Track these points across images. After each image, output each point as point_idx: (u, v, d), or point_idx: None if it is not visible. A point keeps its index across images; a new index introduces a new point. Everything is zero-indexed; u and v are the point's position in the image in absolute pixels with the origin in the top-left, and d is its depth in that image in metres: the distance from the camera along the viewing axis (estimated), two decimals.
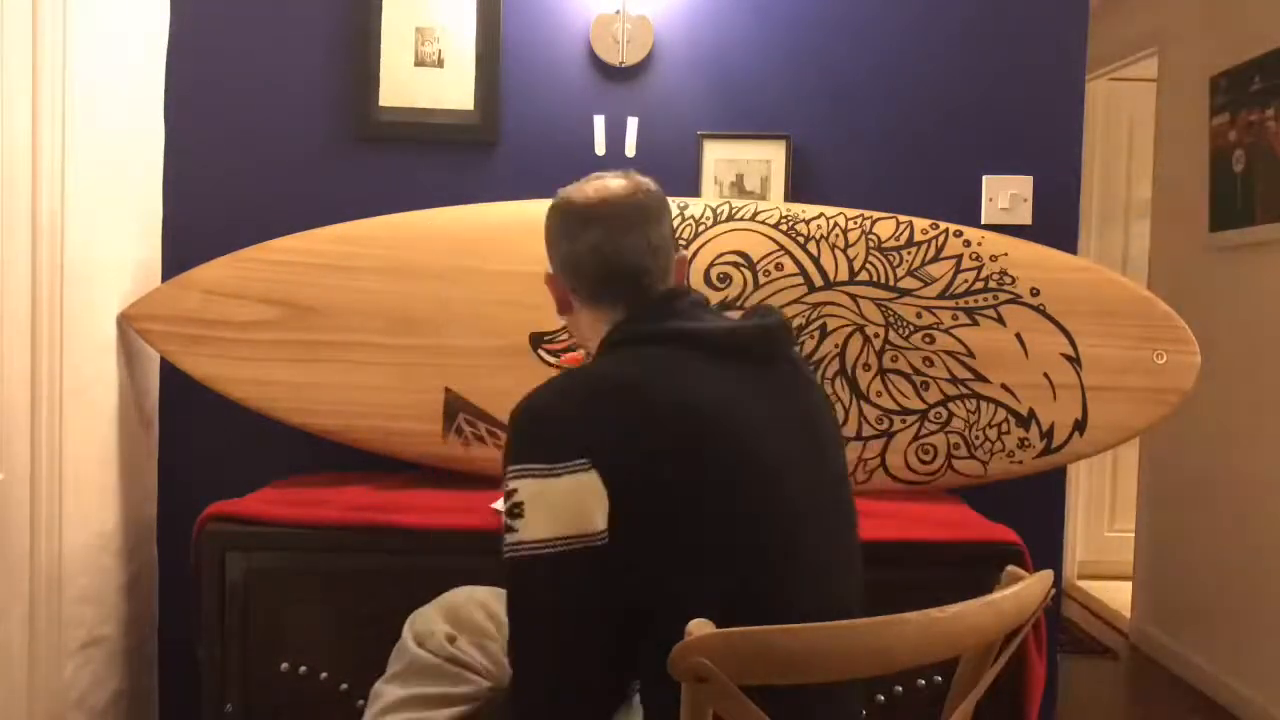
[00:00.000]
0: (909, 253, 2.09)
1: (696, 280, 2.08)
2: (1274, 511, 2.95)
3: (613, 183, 1.39)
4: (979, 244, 2.09)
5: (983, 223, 2.32)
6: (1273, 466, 2.96)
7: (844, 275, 2.09)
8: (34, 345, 1.82)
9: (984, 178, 2.34)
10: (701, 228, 2.10)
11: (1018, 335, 2.07)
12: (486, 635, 1.45)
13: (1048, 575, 1.19)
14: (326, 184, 2.31)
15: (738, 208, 2.11)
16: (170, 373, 2.22)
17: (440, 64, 2.30)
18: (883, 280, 2.09)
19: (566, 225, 1.39)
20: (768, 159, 2.30)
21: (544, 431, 1.20)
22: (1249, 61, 3.04)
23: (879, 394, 2.07)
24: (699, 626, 0.99)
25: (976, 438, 2.07)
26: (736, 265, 2.09)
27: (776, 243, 2.09)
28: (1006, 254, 2.09)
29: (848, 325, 2.08)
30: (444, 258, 2.08)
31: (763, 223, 2.10)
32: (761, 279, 2.09)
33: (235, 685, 1.80)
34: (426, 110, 2.30)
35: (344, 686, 1.80)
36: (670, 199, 2.10)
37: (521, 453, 1.20)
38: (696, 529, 1.19)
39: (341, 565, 1.81)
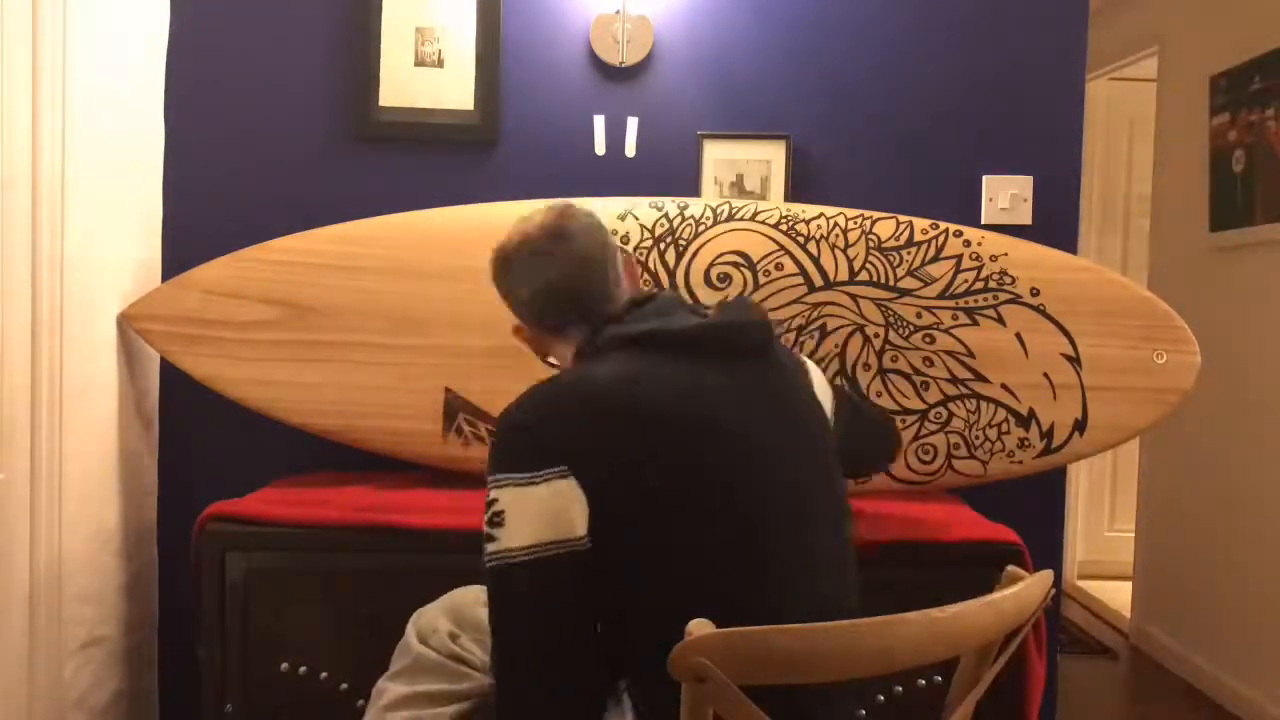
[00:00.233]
0: (909, 253, 2.09)
1: (696, 280, 2.09)
2: (1274, 512, 2.95)
3: (533, 220, 1.43)
4: (979, 244, 2.09)
5: (983, 223, 2.32)
6: (1273, 467, 2.96)
7: (844, 275, 2.09)
8: (34, 345, 1.82)
9: (984, 178, 2.34)
10: (701, 228, 2.10)
11: (1018, 335, 2.07)
12: (481, 630, 1.45)
13: (1048, 575, 1.19)
14: (326, 184, 2.31)
15: (738, 208, 2.11)
16: (170, 373, 2.21)
17: (440, 64, 2.30)
18: (883, 280, 2.08)
19: (514, 269, 1.43)
20: (768, 159, 2.30)
21: (520, 441, 1.23)
22: (1249, 61, 3.04)
23: (879, 394, 2.07)
24: (699, 626, 0.99)
25: (976, 438, 2.07)
26: (736, 265, 2.09)
27: (776, 243, 2.09)
28: (1006, 254, 2.09)
29: (848, 325, 2.08)
30: (444, 258, 2.08)
31: (763, 223, 2.10)
32: (761, 279, 2.09)
33: (235, 685, 1.80)
34: (426, 110, 2.30)
35: (344, 686, 1.80)
36: (670, 199, 2.12)
37: (500, 464, 1.23)
38: (676, 529, 1.20)
39: (341, 565, 1.81)
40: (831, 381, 1.53)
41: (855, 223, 2.10)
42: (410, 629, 1.51)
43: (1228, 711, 3.09)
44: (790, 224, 2.10)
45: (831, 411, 1.45)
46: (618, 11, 2.27)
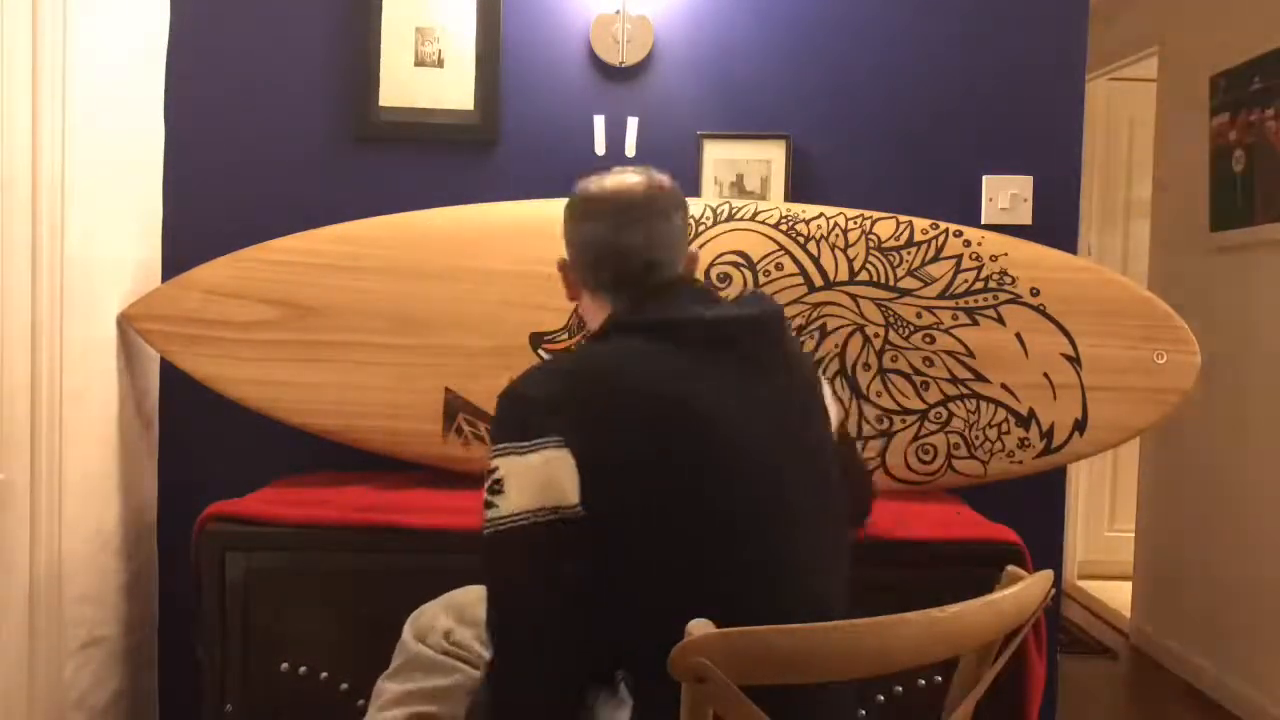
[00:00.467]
0: (909, 253, 2.09)
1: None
2: (1274, 511, 2.95)
3: (629, 178, 1.41)
4: (979, 244, 2.09)
5: (983, 223, 2.32)
6: (1273, 466, 2.96)
7: (844, 275, 2.09)
8: (34, 345, 1.82)
9: (984, 178, 2.34)
10: (701, 228, 2.10)
11: (1018, 335, 2.07)
12: (480, 626, 1.45)
13: (1048, 575, 1.19)
14: (326, 184, 2.31)
15: (738, 208, 2.11)
16: (170, 373, 2.21)
17: (440, 64, 2.30)
18: (883, 280, 2.09)
19: (575, 215, 1.43)
20: (768, 159, 2.30)
21: (519, 412, 1.25)
22: (1249, 61, 3.04)
23: (879, 394, 2.07)
24: (699, 626, 0.99)
25: (976, 438, 2.07)
26: (736, 265, 2.09)
27: (776, 243, 2.09)
28: (1006, 254, 2.09)
29: (848, 325, 2.08)
30: (444, 258, 2.08)
31: (763, 223, 2.10)
32: (761, 279, 2.09)
33: (235, 685, 1.80)
34: (426, 110, 2.30)
35: (344, 686, 1.80)
36: None
37: (501, 433, 1.26)
38: (664, 510, 1.22)
39: (341, 565, 1.81)
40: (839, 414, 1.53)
41: (855, 223, 2.10)
42: (408, 628, 1.51)
43: (1228, 711, 3.09)
44: (790, 224, 2.10)
45: (835, 427, 1.45)
46: (618, 11, 2.28)
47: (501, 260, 2.07)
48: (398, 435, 2.08)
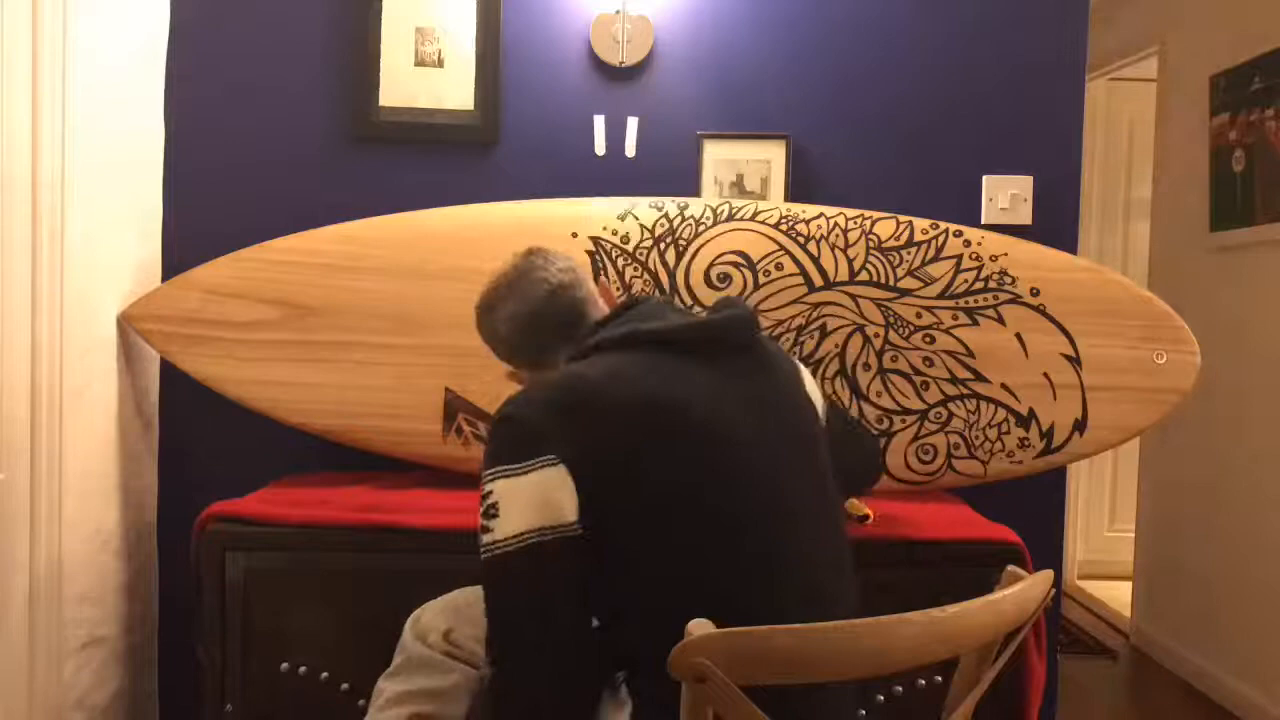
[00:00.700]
0: (909, 253, 2.09)
1: (696, 280, 2.09)
2: (1273, 512, 2.95)
3: (500, 266, 1.55)
4: (979, 244, 2.09)
5: (983, 223, 2.32)
6: (1272, 466, 2.96)
7: (844, 275, 2.09)
8: (34, 345, 1.82)
9: (984, 178, 2.34)
10: (701, 228, 2.10)
11: (1018, 335, 2.07)
12: (482, 626, 1.46)
13: (1048, 575, 1.19)
14: (326, 184, 2.31)
15: (738, 208, 2.11)
16: (170, 373, 2.22)
17: (440, 64, 2.30)
18: (883, 280, 2.08)
19: (486, 319, 1.53)
20: (768, 159, 2.30)
21: (510, 433, 1.26)
22: (1249, 61, 3.04)
23: (879, 394, 2.07)
24: (699, 626, 0.99)
25: (976, 438, 2.07)
26: (736, 265, 2.09)
27: (776, 243, 2.09)
28: (1006, 254, 2.09)
29: (848, 325, 2.08)
30: (444, 258, 2.08)
31: (763, 223, 2.10)
32: (761, 279, 2.09)
33: (235, 685, 1.80)
34: (426, 110, 2.30)
35: (345, 686, 1.80)
36: (670, 199, 2.12)
37: (493, 456, 1.27)
38: (665, 517, 1.22)
39: (341, 565, 1.81)
40: (825, 394, 1.55)
41: (855, 223, 2.10)
42: (408, 628, 1.52)
43: (1228, 711, 3.09)
44: (790, 224, 2.10)
45: (824, 416, 1.45)
46: (618, 11, 2.27)
47: (501, 260, 2.06)
48: (398, 435, 2.08)
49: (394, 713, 1.44)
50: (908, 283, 2.08)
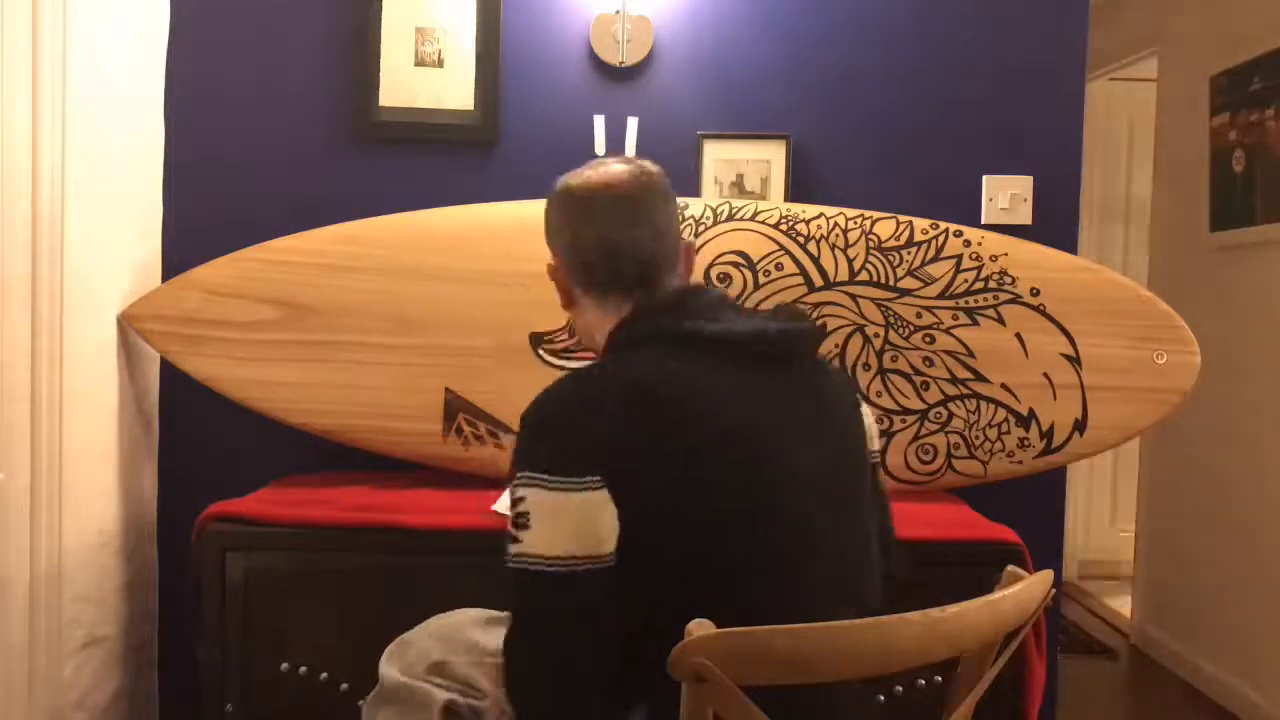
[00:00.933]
0: (909, 253, 2.09)
1: (697, 280, 2.08)
2: (1274, 511, 2.95)
3: (615, 167, 1.33)
4: (979, 244, 2.09)
5: (983, 223, 2.32)
6: (1273, 466, 2.96)
7: (844, 275, 2.09)
8: (34, 345, 1.82)
9: (984, 178, 2.34)
10: (701, 228, 2.10)
11: (1018, 335, 2.07)
12: (476, 652, 1.37)
13: (1048, 575, 1.19)
14: (326, 184, 2.31)
15: (738, 208, 2.11)
16: (170, 373, 2.21)
17: (440, 64, 2.30)
18: (883, 280, 2.09)
19: (568, 213, 1.33)
20: (768, 159, 2.30)
21: (555, 439, 1.15)
22: (1249, 61, 3.04)
23: (879, 394, 2.07)
24: (699, 627, 0.99)
25: (976, 438, 2.07)
26: (736, 265, 2.09)
27: (776, 243, 2.09)
28: (1006, 254, 2.09)
29: (848, 325, 2.08)
30: (444, 258, 2.08)
31: (763, 223, 2.10)
32: (761, 279, 2.09)
33: (235, 685, 1.80)
34: (426, 110, 2.30)
35: (344, 687, 1.79)
36: None
37: (531, 460, 1.15)
38: (708, 549, 1.15)
39: (341, 565, 1.81)
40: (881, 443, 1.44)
41: (855, 223, 2.10)
42: (390, 663, 1.38)
43: (1228, 711, 3.09)
44: (790, 224, 2.10)
45: (877, 451, 1.39)
46: (618, 11, 2.27)
47: (501, 260, 2.07)
48: (398, 435, 2.08)
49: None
50: (908, 283, 2.08)
